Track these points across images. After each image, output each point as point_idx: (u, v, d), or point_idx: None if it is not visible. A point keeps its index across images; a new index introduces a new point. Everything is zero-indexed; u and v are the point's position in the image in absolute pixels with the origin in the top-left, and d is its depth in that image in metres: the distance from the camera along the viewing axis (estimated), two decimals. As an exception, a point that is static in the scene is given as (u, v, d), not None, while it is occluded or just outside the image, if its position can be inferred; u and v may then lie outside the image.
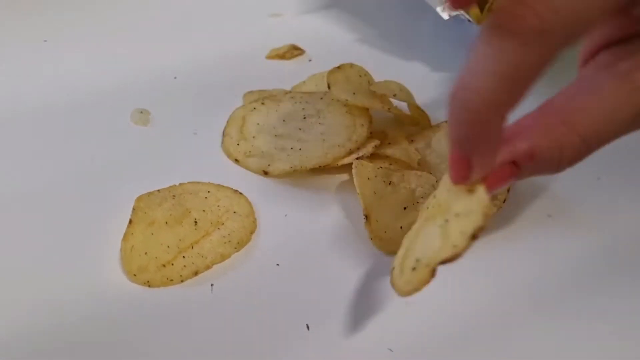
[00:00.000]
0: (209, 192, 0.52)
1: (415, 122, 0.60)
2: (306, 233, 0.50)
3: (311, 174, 0.55)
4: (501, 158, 0.34)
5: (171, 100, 0.62)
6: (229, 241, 0.48)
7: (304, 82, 0.64)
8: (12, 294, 0.45)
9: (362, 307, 0.45)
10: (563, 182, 0.55)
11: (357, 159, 0.54)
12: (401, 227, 0.50)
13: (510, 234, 0.51)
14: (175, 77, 0.65)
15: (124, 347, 0.42)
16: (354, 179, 0.50)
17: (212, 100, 0.62)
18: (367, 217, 0.49)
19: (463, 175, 0.33)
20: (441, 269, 0.35)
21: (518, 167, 0.34)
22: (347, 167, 0.55)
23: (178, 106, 0.62)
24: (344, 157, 0.54)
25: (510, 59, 0.28)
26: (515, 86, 0.29)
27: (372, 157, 0.55)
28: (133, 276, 0.46)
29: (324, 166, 0.54)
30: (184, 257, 0.47)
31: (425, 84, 0.64)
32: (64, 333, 0.43)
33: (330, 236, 0.50)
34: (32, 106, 0.61)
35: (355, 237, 0.50)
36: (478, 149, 0.32)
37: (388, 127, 0.60)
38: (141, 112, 0.58)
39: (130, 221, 0.48)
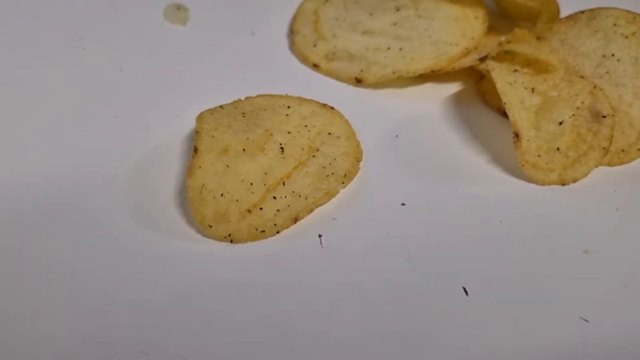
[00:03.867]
0: (288, 107, 0.38)
1: (534, 15, 0.46)
2: (431, 159, 0.37)
3: (413, 82, 0.42)
4: None
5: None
6: (332, 173, 0.35)
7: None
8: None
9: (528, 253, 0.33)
10: None
11: (479, 60, 0.40)
12: (558, 149, 0.37)
13: None
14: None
15: (202, 330, 0.29)
16: (497, 85, 0.37)
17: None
18: (517, 135, 0.36)
19: None
20: None
21: None
22: (461, 73, 0.41)
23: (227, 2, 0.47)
24: (460, 58, 0.41)
25: None
26: None
27: (497, 59, 0.41)
28: (208, 228, 0.32)
29: (435, 71, 0.40)
30: (274, 197, 0.33)
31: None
32: (121, 316, 0.30)
33: (465, 162, 0.37)
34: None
35: (498, 162, 0.37)
36: None
37: (495, 23, 0.46)
38: (178, 8, 0.44)
39: (195, 149, 0.34)
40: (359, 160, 0.36)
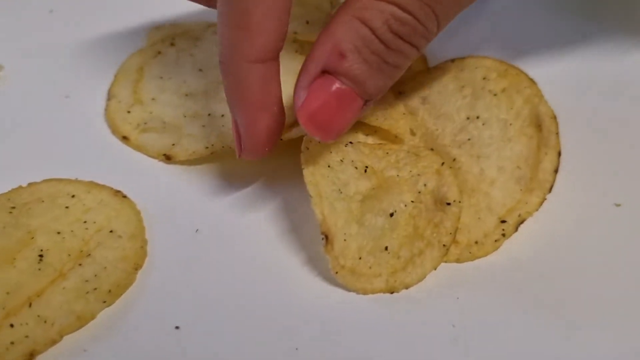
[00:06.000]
0: (73, 196, 0.32)
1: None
2: (233, 261, 0.30)
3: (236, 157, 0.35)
4: (309, 74, 0.28)
5: (35, 47, 0.41)
6: (95, 289, 0.29)
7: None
8: None
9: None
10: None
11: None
12: (387, 249, 0.30)
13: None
14: (51, 11, 0.44)
15: None
16: (304, 171, 0.30)
17: (100, 44, 0.41)
18: (326, 236, 0.29)
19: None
20: None
21: (334, 75, 0.28)
22: (295, 144, 0.34)
23: (47, 55, 0.40)
24: (289, 127, 0.34)
25: None
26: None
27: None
28: None
29: (259, 144, 0.33)
30: (12, 325, 0.27)
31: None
32: None
33: (273, 265, 0.30)
34: None
35: (311, 267, 0.30)
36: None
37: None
38: (-12, 67, 0.38)
39: None
40: (137, 267, 0.30)
